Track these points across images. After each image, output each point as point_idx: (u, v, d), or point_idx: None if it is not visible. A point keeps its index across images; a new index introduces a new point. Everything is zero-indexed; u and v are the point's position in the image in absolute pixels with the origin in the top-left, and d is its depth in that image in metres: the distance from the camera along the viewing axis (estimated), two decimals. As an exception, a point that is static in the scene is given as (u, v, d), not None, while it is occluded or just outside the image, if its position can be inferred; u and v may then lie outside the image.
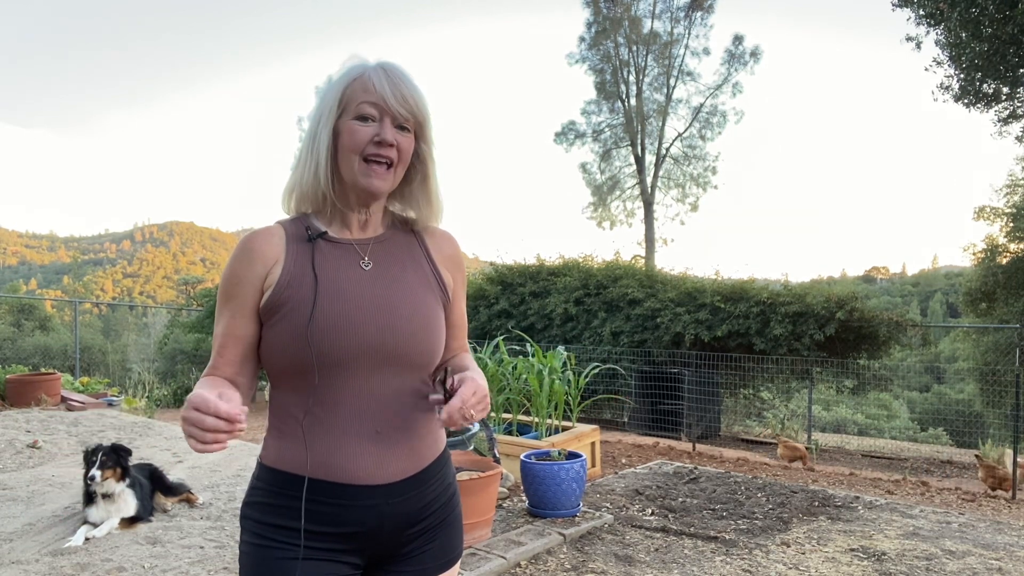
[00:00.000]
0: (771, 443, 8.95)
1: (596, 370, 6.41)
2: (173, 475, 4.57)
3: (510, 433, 5.75)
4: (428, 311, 1.21)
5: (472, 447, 4.98)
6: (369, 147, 1.15)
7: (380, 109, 1.15)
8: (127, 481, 3.80)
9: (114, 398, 8.42)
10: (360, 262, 1.20)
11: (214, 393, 1.00)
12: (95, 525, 3.67)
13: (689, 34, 23.69)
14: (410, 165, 1.22)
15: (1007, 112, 10.36)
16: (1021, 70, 9.37)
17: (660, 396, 9.06)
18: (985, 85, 9.82)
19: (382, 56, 1.21)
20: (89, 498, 3.74)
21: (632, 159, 24.70)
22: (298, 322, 1.11)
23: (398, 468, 1.17)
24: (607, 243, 40.86)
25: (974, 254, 11.95)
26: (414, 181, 1.25)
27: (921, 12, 9.71)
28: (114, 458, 3.72)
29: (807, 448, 7.54)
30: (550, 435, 5.60)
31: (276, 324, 1.13)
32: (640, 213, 24.82)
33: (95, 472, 3.62)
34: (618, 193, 25.47)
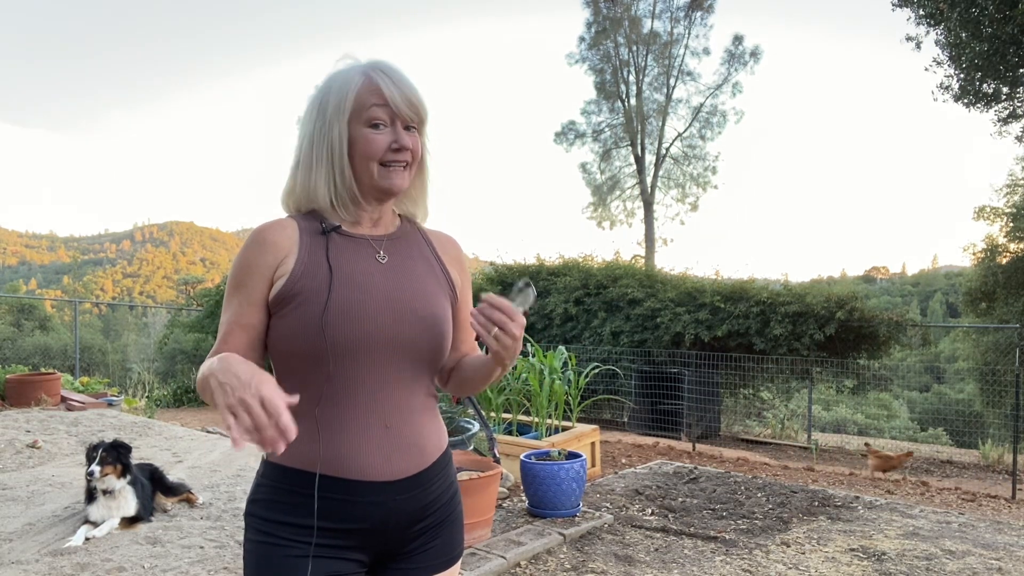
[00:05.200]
0: (771, 443, 8.95)
1: (596, 370, 6.40)
2: (173, 475, 4.57)
3: (510, 433, 5.75)
4: (439, 306, 1.23)
5: (472, 447, 4.98)
6: (388, 153, 1.18)
7: (391, 115, 1.17)
8: (128, 478, 3.80)
9: (114, 398, 8.41)
10: (376, 255, 1.22)
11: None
12: (95, 524, 3.67)
13: (689, 34, 23.71)
14: None
15: (1007, 112, 10.36)
16: (1021, 70, 9.37)
17: (660, 396, 9.06)
18: (985, 85, 9.83)
19: (374, 55, 1.22)
20: (91, 495, 3.74)
21: (632, 159, 24.70)
22: (312, 311, 1.12)
23: (405, 465, 1.17)
24: (607, 243, 40.94)
25: (974, 254, 11.96)
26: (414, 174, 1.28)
27: (921, 12, 9.72)
28: (114, 455, 3.73)
29: (900, 456, 6.57)
30: (550, 435, 5.60)
31: (289, 313, 1.14)
32: (640, 213, 24.83)
33: (94, 468, 3.63)
34: (618, 193, 25.48)
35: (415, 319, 1.18)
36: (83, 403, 7.67)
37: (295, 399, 0.94)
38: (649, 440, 8.32)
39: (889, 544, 3.91)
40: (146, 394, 11.58)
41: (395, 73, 1.19)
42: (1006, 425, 8.55)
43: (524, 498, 4.56)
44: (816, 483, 6.06)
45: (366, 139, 1.17)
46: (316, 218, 1.23)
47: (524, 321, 1.12)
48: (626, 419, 9.87)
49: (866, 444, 7.79)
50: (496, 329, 1.10)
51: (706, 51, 23.76)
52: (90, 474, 3.63)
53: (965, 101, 10.05)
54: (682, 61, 23.79)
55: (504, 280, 11.72)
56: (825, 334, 8.55)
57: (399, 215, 1.32)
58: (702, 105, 24.00)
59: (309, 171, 1.21)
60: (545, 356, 5.83)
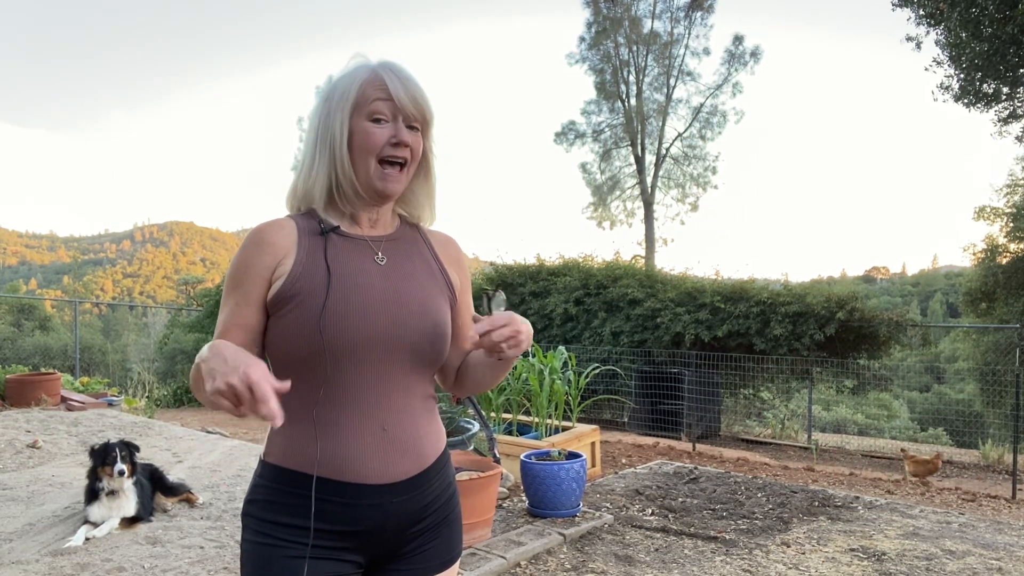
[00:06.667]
0: (771, 443, 8.95)
1: (596, 370, 6.41)
2: (173, 475, 4.57)
3: (510, 433, 5.75)
4: (438, 308, 1.23)
5: (472, 447, 4.98)
6: (386, 149, 1.17)
7: (393, 110, 1.17)
8: (133, 478, 3.82)
9: (114, 398, 8.41)
10: (375, 257, 1.21)
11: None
12: (96, 524, 3.67)
13: (689, 34, 23.72)
14: None
15: (1007, 112, 10.38)
16: (1021, 70, 9.38)
17: (660, 396, 9.06)
18: (985, 85, 9.84)
19: (384, 56, 1.22)
20: (92, 495, 3.74)
21: (632, 159, 24.72)
22: (310, 312, 1.11)
23: (403, 467, 1.17)
24: (607, 243, 40.98)
25: (974, 254, 11.97)
26: (418, 177, 1.27)
27: (921, 12, 9.73)
28: (127, 453, 3.76)
29: (936, 458, 6.44)
30: (550, 435, 5.60)
31: (287, 314, 1.13)
32: (640, 213, 24.84)
33: (123, 467, 3.66)
34: (618, 193, 25.49)
35: (413, 322, 1.17)
36: (83, 403, 7.67)
37: (286, 385, 0.92)
38: (649, 440, 8.33)
39: (889, 544, 3.91)
40: (146, 394, 11.57)
41: (403, 72, 1.19)
42: (1006, 425, 8.55)
43: (524, 498, 4.56)
44: (816, 483, 6.07)
45: (366, 132, 1.16)
46: (315, 218, 1.22)
47: (521, 319, 1.13)
48: (626, 419, 9.87)
49: (902, 450, 7.65)
50: (510, 343, 1.11)
51: (706, 51, 23.79)
52: (120, 472, 3.67)
53: (965, 101, 10.07)
54: (682, 61, 23.82)
55: (504, 280, 11.73)
56: (825, 334, 8.55)
57: (400, 215, 1.32)
58: (702, 105, 24.01)
59: (312, 163, 1.21)
60: (545, 356, 5.82)
